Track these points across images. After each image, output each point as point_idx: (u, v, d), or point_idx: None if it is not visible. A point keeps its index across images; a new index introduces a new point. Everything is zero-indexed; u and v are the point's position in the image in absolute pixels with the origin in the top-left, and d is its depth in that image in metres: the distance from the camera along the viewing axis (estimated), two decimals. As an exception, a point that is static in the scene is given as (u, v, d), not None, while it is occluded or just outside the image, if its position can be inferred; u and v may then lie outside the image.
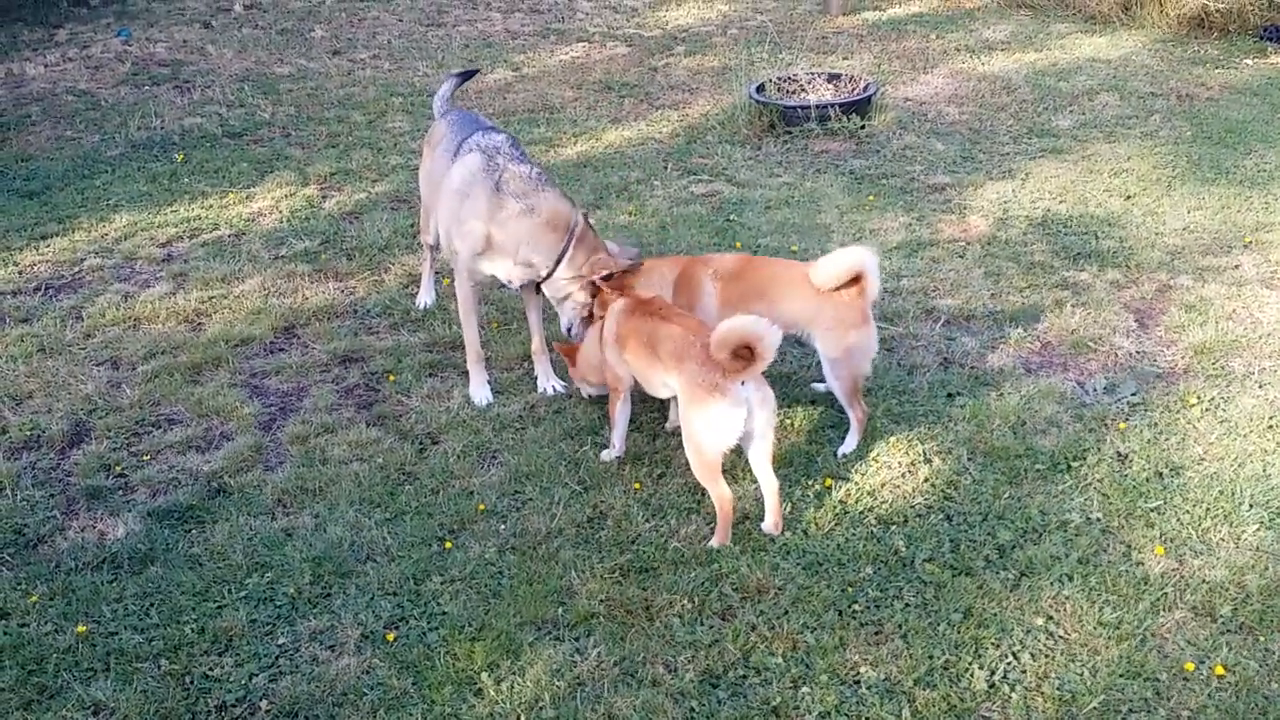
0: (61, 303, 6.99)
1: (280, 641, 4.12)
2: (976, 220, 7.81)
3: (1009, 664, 3.94)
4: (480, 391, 5.70)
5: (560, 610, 4.24)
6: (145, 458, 5.32)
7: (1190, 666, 3.86)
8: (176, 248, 7.86)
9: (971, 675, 3.89)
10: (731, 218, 7.95)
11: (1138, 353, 5.96)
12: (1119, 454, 5.09)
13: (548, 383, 5.83)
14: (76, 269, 7.51)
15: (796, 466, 5.07)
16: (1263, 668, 3.85)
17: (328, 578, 4.40)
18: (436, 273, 6.78)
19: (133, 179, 9.21)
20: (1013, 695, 3.80)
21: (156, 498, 5.01)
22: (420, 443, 5.33)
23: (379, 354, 6.16)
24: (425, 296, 6.72)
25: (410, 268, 7.20)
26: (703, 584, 4.35)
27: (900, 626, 4.13)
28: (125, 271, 7.47)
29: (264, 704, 3.84)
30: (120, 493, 5.08)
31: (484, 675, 3.90)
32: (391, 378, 5.89)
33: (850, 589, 4.31)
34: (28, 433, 5.56)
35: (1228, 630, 4.04)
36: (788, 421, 5.42)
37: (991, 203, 8.11)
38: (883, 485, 4.97)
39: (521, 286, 5.64)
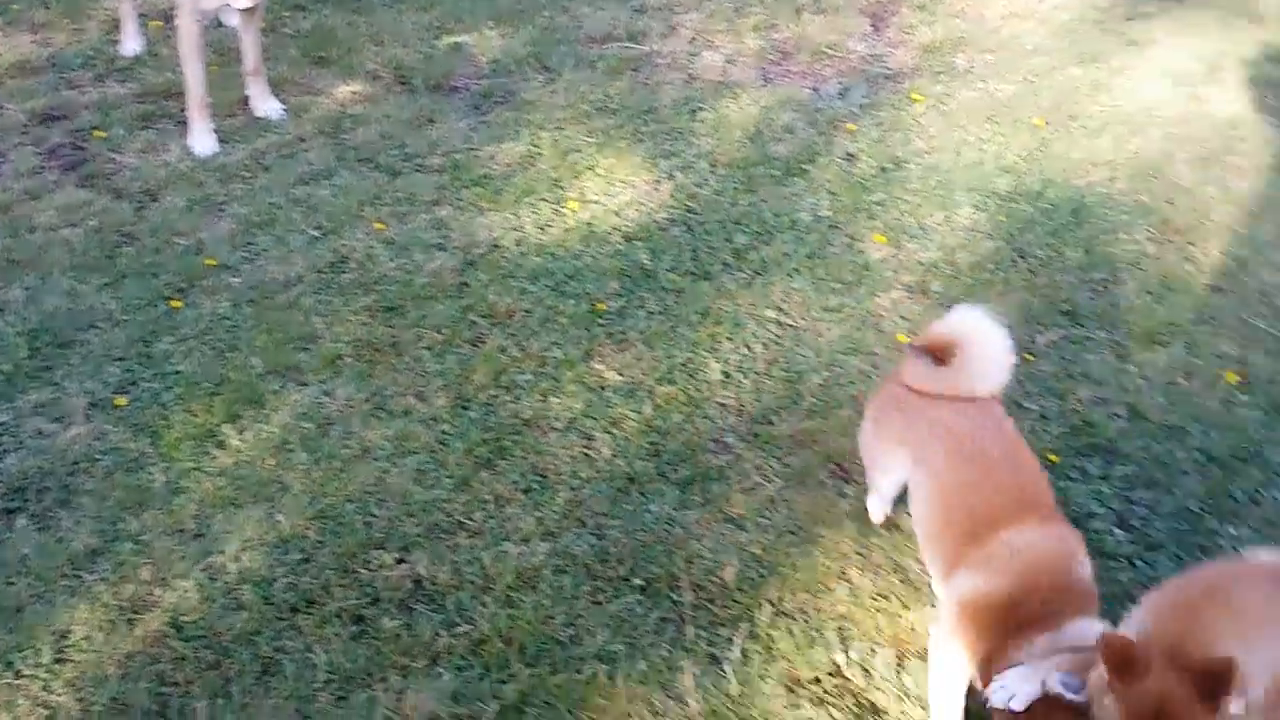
0: None
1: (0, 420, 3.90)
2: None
3: (743, 355, 4.14)
4: (203, 140, 5.29)
5: (304, 356, 4.16)
6: None
7: (903, 338, 4.15)
8: None
9: (708, 369, 4.08)
10: None
11: (870, 56, 6.09)
12: (847, 154, 5.26)
13: (265, 105, 5.48)
14: None
15: (540, 192, 5.04)
16: (964, 331, 4.18)
17: (46, 350, 4.14)
18: (141, 15, 6.14)
19: None
20: (745, 381, 4.02)
21: None
22: (137, 201, 4.96)
23: (84, 109, 5.61)
24: (131, 43, 6.09)
25: (115, 12, 6.51)
26: (451, 316, 4.34)
27: (643, 333, 4.26)
28: None
29: (-10, 483, 3.68)
30: None
31: (225, 427, 3.83)
32: (99, 134, 5.41)
33: (596, 305, 4.39)
34: None
35: (939, 304, 4.34)
36: (535, 151, 5.33)
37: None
38: (628, 204, 5.00)
39: (244, 12, 5.18)
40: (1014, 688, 2.40)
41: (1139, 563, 3.29)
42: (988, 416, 2.97)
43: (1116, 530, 3.39)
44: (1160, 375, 3.95)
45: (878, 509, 3.42)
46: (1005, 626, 2.56)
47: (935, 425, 2.98)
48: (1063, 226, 4.67)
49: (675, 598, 3.24)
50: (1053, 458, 3.62)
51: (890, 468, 3.18)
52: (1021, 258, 4.54)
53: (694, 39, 6.29)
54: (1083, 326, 4.16)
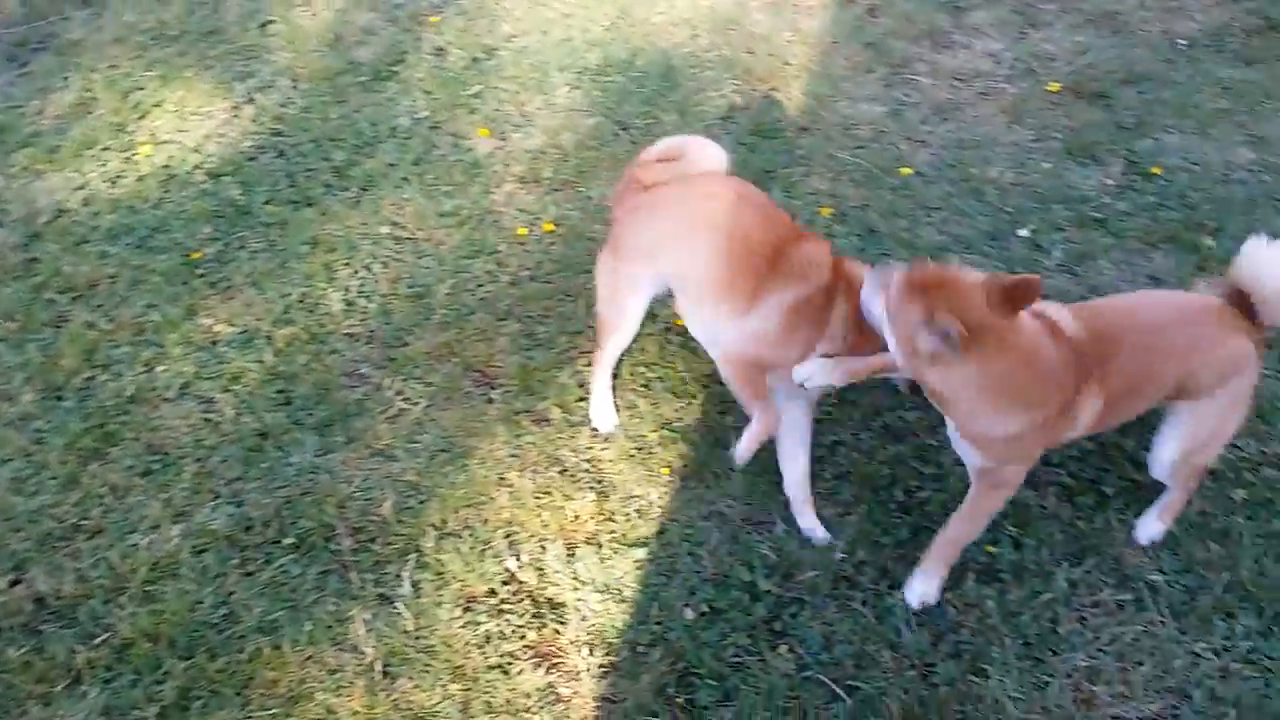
0: None
1: None
2: None
3: (363, 278, 3.93)
4: None
5: None
6: None
7: (523, 231, 4.08)
8: None
9: (328, 300, 3.84)
10: None
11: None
12: (436, 49, 5.04)
13: None
14: None
15: (103, 141, 4.50)
16: (584, 214, 4.16)
17: None
18: None
19: None
20: (370, 305, 3.82)
21: None
22: None
23: None
24: None
25: None
26: (22, 299, 3.83)
27: (249, 276, 3.94)
28: None
29: None
30: None
31: None
32: None
33: (191, 254, 4.00)
34: None
35: (552, 190, 4.29)
36: (89, 97, 4.74)
37: None
38: (207, 138, 4.57)
39: None
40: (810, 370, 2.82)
41: (774, 402, 3.44)
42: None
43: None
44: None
45: (607, 406, 3.40)
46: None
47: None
48: (656, 93, 4.72)
49: (333, 547, 3.07)
50: (678, 323, 3.69)
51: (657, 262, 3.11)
52: (624, 129, 4.55)
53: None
54: (690, 187, 4.25)
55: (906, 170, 4.26)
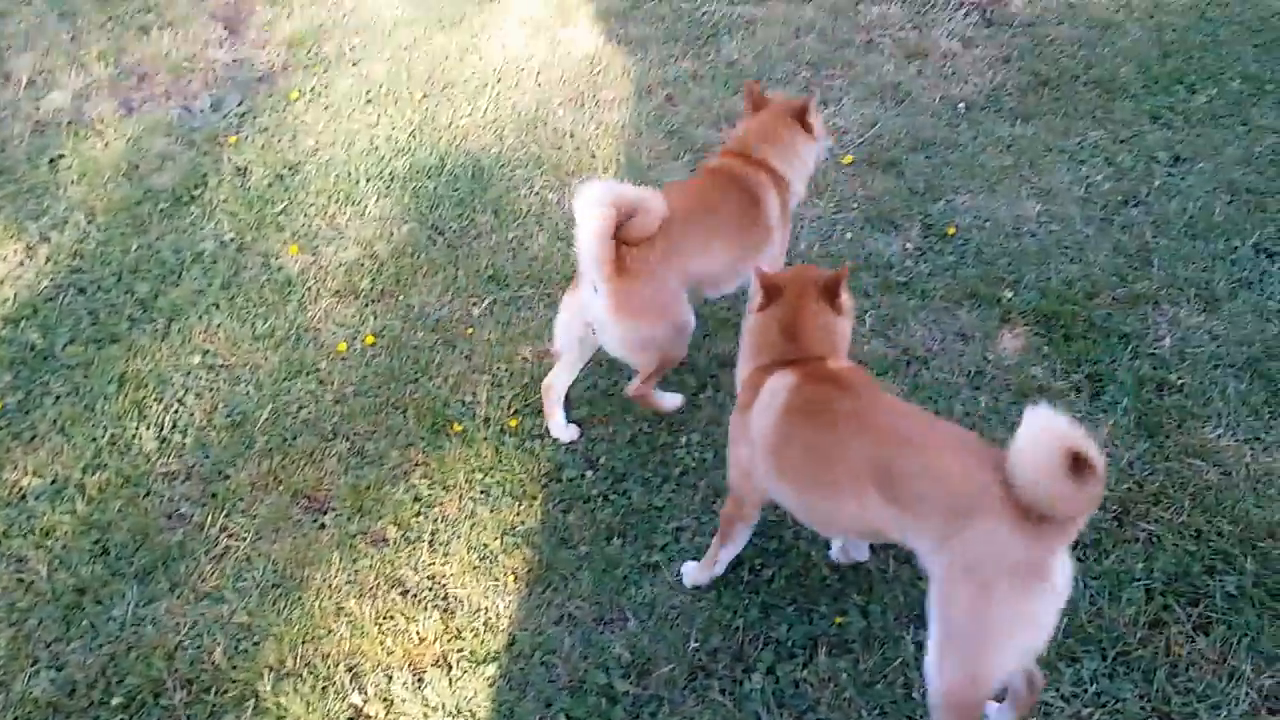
0: None
1: None
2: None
3: (176, 412, 3.77)
4: None
5: None
6: None
7: (343, 346, 3.99)
8: None
9: (141, 439, 3.66)
10: None
11: (235, 61, 5.75)
12: (238, 168, 4.94)
13: None
14: None
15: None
16: (405, 323, 4.10)
17: None
18: None
19: None
20: (186, 440, 3.66)
21: None
22: None
23: None
24: None
25: None
26: None
27: (55, 422, 3.73)
28: None
29: None
30: None
31: None
32: None
33: (-15, 407, 3.78)
34: None
35: (371, 301, 4.22)
36: None
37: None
38: (1, 282, 4.35)
39: None
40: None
41: (613, 496, 3.43)
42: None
43: (588, 473, 3.51)
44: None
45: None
46: None
47: None
48: (468, 194, 4.72)
49: (165, 703, 2.89)
50: (512, 422, 3.67)
51: None
52: (439, 234, 4.54)
53: (33, 81, 5.58)
54: (510, 287, 4.24)
55: (719, 250, 4.36)
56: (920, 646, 2.95)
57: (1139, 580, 3.10)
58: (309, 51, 5.77)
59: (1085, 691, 2.85)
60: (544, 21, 6.00)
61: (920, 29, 5.78)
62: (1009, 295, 4.07)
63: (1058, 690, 2.85)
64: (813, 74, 5.38)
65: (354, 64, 5.67)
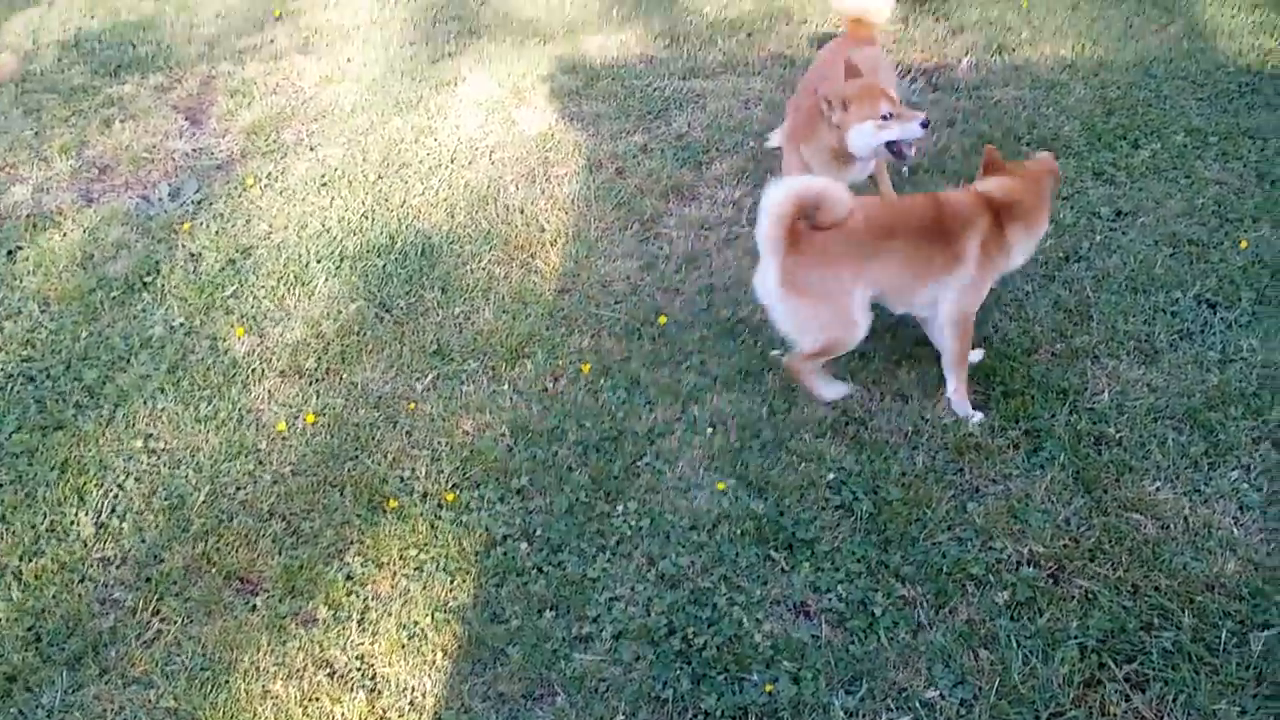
0: None
1: None
2: (6, 57, 6.96)
3: (115, 498, 3.76)
4: None
5: None
6: None
7: (283, 426, 3.99)
8: None
9: (79, 525, 3.65)
10: None
11: (195, 150, 5.84)
12: (190, 255, 4.99)
13: None
14: None
15: None
16: (348, 400, 4.11)
17: None
18: None
19: None
20: (123, 525, 3.65)
21: None
22: None
23: None
24: None
25: None
26: None
27: (-6, 512, 3.74)
28: None
29: None
30: None
31: None
32: None
33: (-75, 498, 3.77)
34: None
35: (315, 380, 4.23)
36: None
37: (19, 35, 7.27)
38: (-50, 373, 4.38)
39: None
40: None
41: (548, 568, 3.41)
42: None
43: (523, 545, 3.49)
44: (531, 385, 4.14)
45: None
46: None
47: None
48: (417, 271, 4.76)
49: (85, 794, 2.84)
50: (449, 496, 3.66)
51: None
52: (387, 311, 4.56)
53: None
54: (454, 361, 4.26)
55: (664, 319, 4.38)
56: (850, 714, 2.91)
57: (1074, 638, 3.06)
58: (267, 138, 5.86)
59: (1017, 754, 2.80)
60: (499, 102, 6.09)
61: (868, 96, 5.85)
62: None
63: (989, 753, 2.81)
64: (759, 144, 5.45)
65: (311, 149, 5.75)
